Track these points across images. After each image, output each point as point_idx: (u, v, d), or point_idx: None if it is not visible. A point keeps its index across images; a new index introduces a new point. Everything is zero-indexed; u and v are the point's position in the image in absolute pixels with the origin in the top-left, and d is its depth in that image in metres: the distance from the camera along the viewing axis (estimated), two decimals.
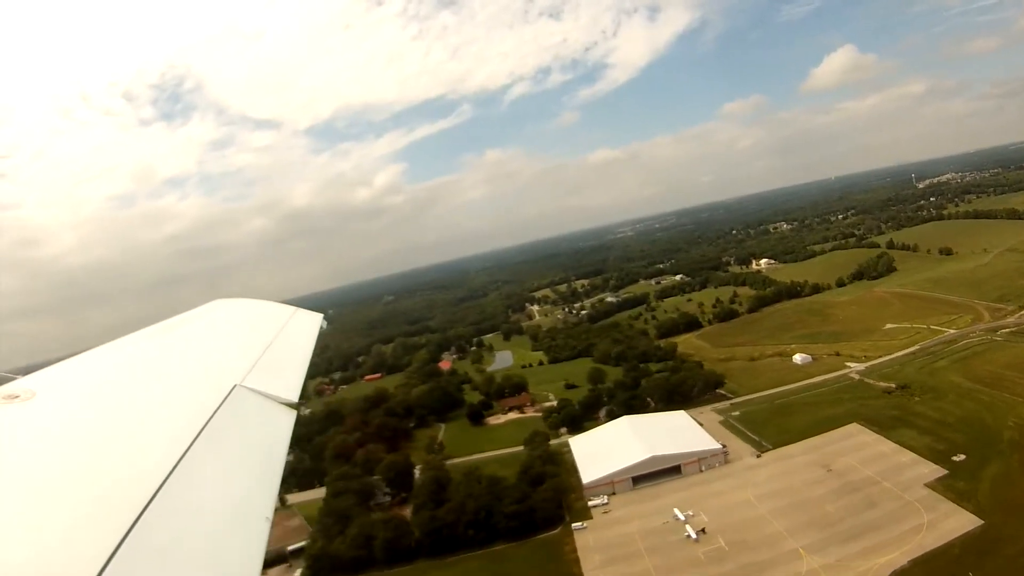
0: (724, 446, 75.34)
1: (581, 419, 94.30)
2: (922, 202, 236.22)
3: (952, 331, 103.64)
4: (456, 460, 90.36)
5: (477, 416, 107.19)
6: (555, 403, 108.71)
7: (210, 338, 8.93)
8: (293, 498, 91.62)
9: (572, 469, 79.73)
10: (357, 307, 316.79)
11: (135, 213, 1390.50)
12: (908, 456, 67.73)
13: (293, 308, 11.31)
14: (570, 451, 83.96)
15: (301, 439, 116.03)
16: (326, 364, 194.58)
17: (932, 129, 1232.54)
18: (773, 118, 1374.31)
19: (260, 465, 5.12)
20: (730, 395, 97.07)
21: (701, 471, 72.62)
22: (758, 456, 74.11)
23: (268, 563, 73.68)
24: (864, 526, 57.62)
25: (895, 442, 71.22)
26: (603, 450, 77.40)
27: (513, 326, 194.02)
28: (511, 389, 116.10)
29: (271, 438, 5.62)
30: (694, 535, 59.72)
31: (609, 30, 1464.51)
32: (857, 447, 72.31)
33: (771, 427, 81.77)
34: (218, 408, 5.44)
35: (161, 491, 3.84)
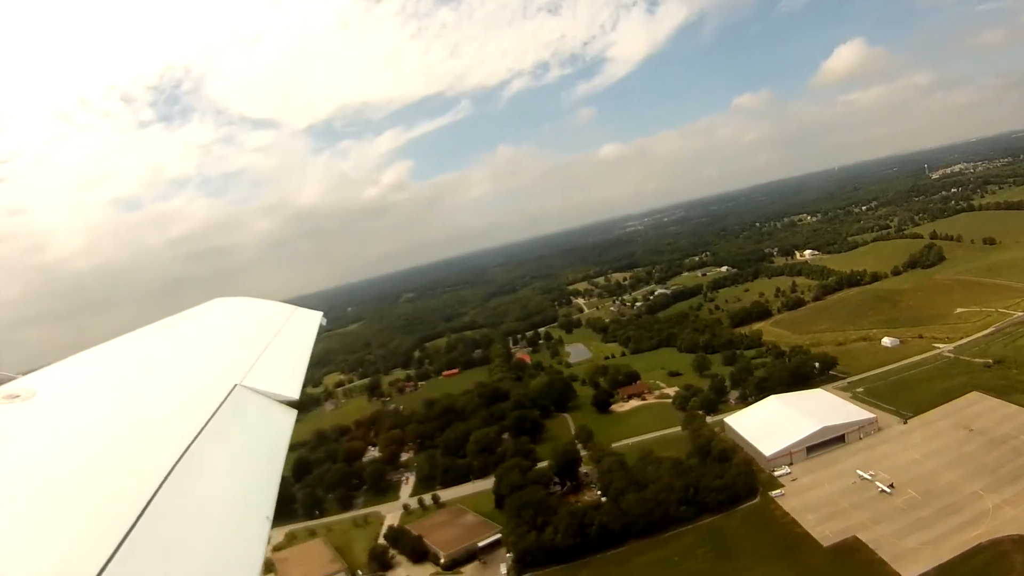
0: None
1: (715, 402, 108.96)
2: (944, 193, 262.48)
3: (1021, 313, 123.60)
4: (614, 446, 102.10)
5: (604, 405, 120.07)
6: (670, 390, 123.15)
7: (210, 337, 9.32)
8: (445, 495, 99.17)
9: (733, 445, 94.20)
10: (376, 304, 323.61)
11: (138, 216, 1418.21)
12: None
13: (292, 307, 11.96)
14: (721, 430, 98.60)
15: (424, 436, 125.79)
16: (382, 361, 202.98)
17: (935, 118, 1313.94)
18: (777, 111, 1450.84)
19: (261, 464, 5.38)
20: (842, 375, 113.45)
21: (860, 439, 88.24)
22: (904, 423, 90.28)
23: (457, 562, 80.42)
24: (1021, 469, 74.37)
25: (1016, 404, 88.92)
26: (767, 426, 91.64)
27: (571, 319, 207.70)
28: (624, 378, 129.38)
29: (272, 437, 5.90)
30: (888, 490, 74.67)
31: (608, 24, 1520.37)
32: (986, 410, 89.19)
33: (899, 399, 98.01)
34: (218, 407, 5.69)
35: (161, 490, 4.03)
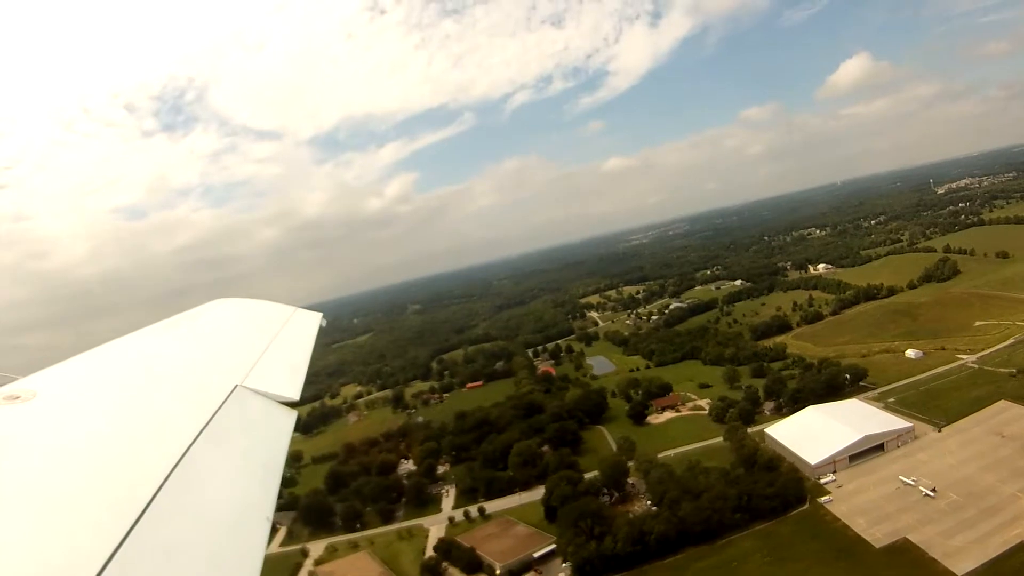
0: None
1: (751, 413, 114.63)
2: (952, 207, 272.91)
3: None
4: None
5: (639, 417, 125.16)
6: (702, 402, 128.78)
7: (210, 338, 9.67)
8: (488, 507, 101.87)
9: (776, 455, 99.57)
10: (384, 316, 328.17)
11: (141, 224, 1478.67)
12: None
13: (293, 308, 12.21)
14: (761, 440, 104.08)
15: (460, 448, 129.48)
16: (400, 373, 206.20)
17: (937, 132, 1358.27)
18: (783, 123, 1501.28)
19: (261, 465, 5.59)
20: (871, 386, 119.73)
21: (898, 446, 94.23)
22: (939, 431, 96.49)
23: (513, 574, 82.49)
24: None
25: None
26: (809, 436, 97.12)
27: (588, 332, 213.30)
28: (656, 390, 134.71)
29: (272, 438, 6.11)
30: (931, 493, 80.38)
31: (611, 37, 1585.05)
32: (1015, 417, 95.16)
33: (931, 408, 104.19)
34: (219, 408, 5.88)
35: (161, 491, 4.16)
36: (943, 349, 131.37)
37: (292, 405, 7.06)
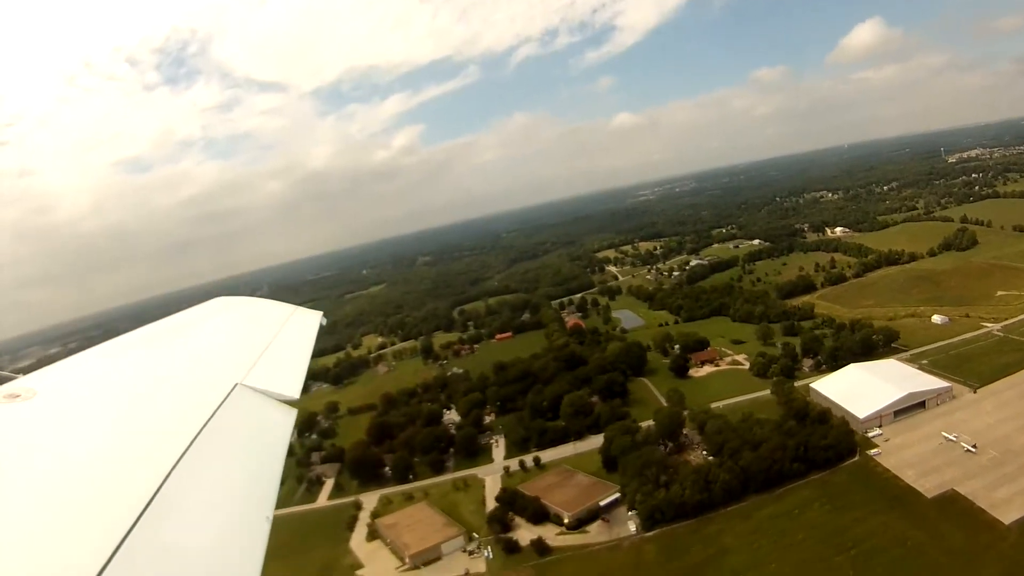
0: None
1: (792, 369, 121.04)
2: (965, 177, 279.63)
3: None
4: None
5: (682, 370, 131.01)
6: (739, 357, 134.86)
7: (210, 337, 9.80)
8: (544, 456, 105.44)
9: (824, 408, 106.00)
10: (393, 267, 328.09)
11: (144, 178, 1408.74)
12: None
13: (293, 307, 12.44)
14: (806, 394, 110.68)
15: (504, 398, 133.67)
16: (421, 323, 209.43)
17: (945, 101, 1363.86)
18: (791, 85, 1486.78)
19: (261, 464, 5.62)
20: (903, 348, 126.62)
21: (937, 405, 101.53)
22: (975, 392, 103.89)
23: (582, 521, 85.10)
24: None
25: None
26: (854, 392, 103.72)
27: (609, 287, 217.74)
28: (694, 344, 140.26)
29: (272, 437, 6.15)
30: (972, 449, 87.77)
31: None
32: None
33: (963, 371, 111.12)
34: (219, 407, 5.95)
35: (161, 490, 4.20)
36: (968, 316, 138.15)
37: (292, 404, 7.18)
